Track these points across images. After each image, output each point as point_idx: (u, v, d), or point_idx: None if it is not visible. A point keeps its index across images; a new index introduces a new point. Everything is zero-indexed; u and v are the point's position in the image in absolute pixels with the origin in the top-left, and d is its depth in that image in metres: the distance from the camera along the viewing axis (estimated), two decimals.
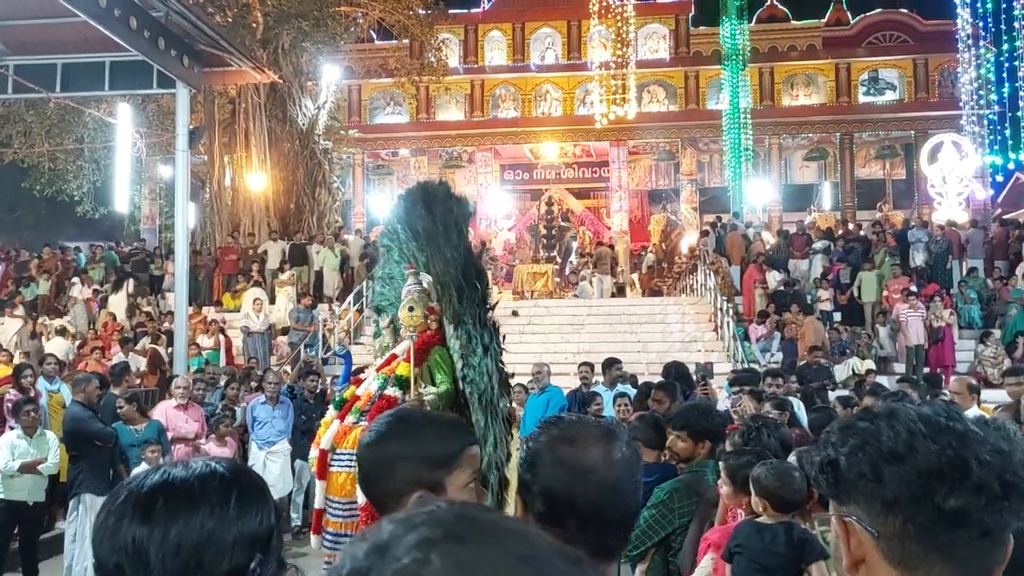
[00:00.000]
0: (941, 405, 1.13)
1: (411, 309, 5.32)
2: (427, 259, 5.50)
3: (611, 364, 9.84)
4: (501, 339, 5.44)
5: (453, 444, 1.71)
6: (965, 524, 1.04)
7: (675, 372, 8.36)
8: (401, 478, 1.64)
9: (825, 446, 1.16)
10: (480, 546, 0.63)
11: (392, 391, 5.14)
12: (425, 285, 5.43)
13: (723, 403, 9.04)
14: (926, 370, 13.88)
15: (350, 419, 5.20)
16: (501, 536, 0.65)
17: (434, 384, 5.26)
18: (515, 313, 16.49)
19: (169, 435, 8.13)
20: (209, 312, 16.86)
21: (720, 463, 3.70)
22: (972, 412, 5.59)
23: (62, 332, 15.49)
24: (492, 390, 5.19)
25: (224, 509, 1.02)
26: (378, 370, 5.45)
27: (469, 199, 5.85)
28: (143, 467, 7.59)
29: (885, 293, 15.72)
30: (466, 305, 5.28)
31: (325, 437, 5.21)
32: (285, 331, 16.13)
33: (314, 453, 5.30)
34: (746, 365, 13.08)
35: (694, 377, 9.10)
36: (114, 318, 16.14)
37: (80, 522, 7.20)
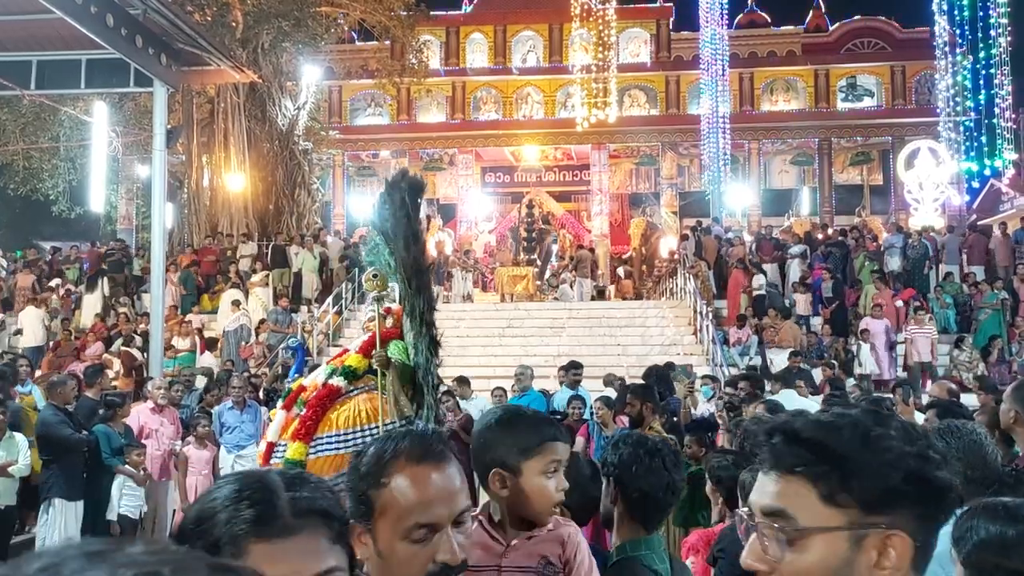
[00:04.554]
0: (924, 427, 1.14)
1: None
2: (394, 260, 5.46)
3: (571, 368, 9.80)
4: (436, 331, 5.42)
5: (535, 437, 2.01)
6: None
7: (656, 375, 8.35)
8: (489, 459, 2.03)
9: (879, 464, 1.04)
10: None
11: (336, 380, 5.20)
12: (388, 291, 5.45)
13: (703, 406, 9.08)
14: (904, 374, 13.98)
15: (295, 410, 5.27)
16: None
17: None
18: None
19: (145, 439, 8.05)
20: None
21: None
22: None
23: (34, 300, 15.61)
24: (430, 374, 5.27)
25: None
26: (328, 362, 5.54)
27: (422, 179, 5.73)
28: (128, 469, 7.53)
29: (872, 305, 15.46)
30: (412, 293, 5.30)
31: (271, 429, 5.31)
32: (258, 333, 15.99)
33: (262, 446, 5.39)
34: (725, 368, 13.15)
35: (676, 381, 9.08)
36: (101, 318, 16.00)
37: (50, 527, 7.07)
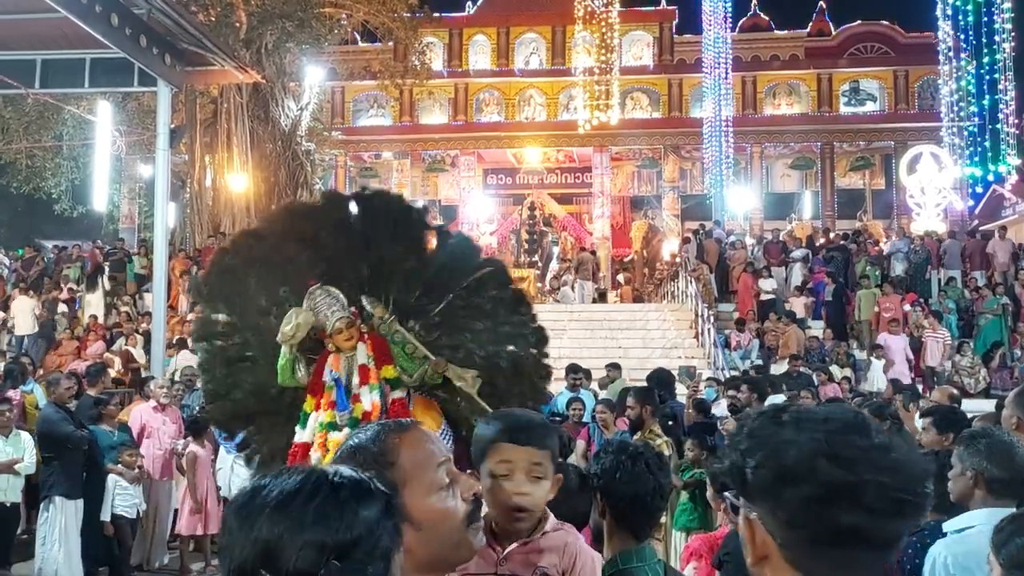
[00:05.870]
0: (850, 415, 1.13)
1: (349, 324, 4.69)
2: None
3: (569, 371, 9.81)
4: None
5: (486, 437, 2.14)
6: (862, 539, 1.07)
7: (657, 378, 8.34)
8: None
9: (735, 449, 1.16)
10: None
11: (397, 394, 4.79)
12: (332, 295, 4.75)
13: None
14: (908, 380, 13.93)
15: None
16: None
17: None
18: None
19: (146, 439, 8.07)
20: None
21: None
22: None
23: (26, 292, 15.58)
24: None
25: (301, 514, 1.08)
26: (362, 384, 4.93)
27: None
28: (119, 468, 7.53)
29: (876, 310, 15.27)
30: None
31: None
32: None
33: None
34: (726, 372, 13.14)
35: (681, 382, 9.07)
36: (95, 318, 15.97)
37: (50, 524, 7.07)
